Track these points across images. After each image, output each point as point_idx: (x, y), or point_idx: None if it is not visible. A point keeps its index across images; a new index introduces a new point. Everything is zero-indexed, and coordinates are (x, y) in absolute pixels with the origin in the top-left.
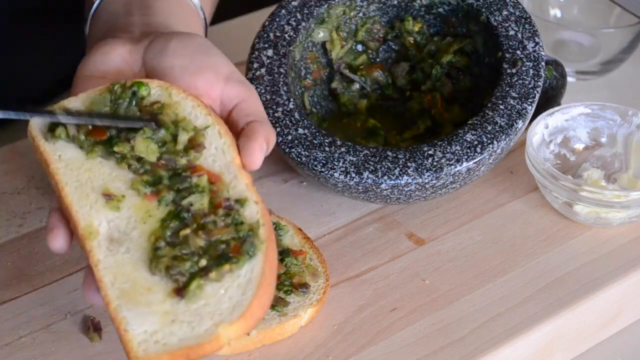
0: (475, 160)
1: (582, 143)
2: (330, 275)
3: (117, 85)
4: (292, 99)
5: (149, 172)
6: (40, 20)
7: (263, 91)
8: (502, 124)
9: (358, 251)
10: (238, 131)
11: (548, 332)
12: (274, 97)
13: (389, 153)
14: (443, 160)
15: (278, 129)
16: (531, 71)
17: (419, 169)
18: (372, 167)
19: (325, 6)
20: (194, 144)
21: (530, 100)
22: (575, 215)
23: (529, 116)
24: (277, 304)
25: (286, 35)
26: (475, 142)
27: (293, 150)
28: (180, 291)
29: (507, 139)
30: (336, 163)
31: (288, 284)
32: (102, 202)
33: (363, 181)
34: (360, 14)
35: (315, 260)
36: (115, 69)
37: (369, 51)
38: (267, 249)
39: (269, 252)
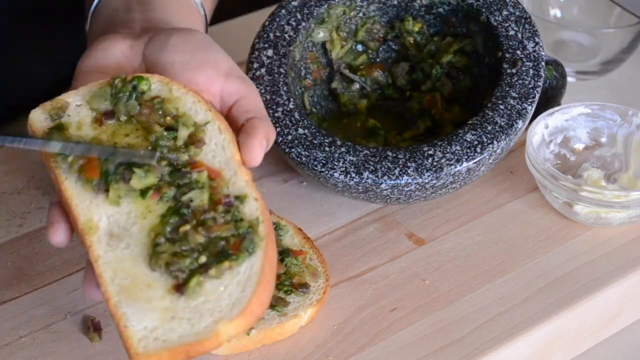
0: (475, 160)
1: (582, 143)
2: (330, 275)
3: (117, 79)
4: (292, 99)
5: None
6: (40, 20)
7: (263, 91)
8: (502, 124)
9: (358, 251)
10: (238, 127)
11: (548, 332)
12: (274, 97)
13: (389, 153)
14: (443, 160)
15: (278, 129)
16: (531, 71)
17: (419, 169)
18: (372, 167)
19: (325, 6)
20: (194, 140)
21: (530, 100)
22: (575, 215)
23: (529, 116)
24: (277, 304)
25: (286, 35)
26: (475, 142)
27: (293, 150)
28: (180, 288)
29: (507, 139)
30: (336, 163)
31: (288, 284)
32: (102, 196)
33: (363, 181)
34: (360, 14)
35: (315, 260)
36: (116, 63)
37: (369, 51)
38: (267, 246)
39: (268, 249)
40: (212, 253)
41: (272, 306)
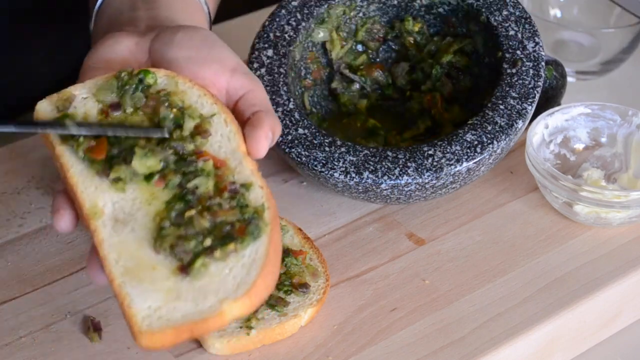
0: (475, 160)
1: (582, 143)
2: (330, 275)
3: (124, 72)
4: (292, 99)
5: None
6: (40, 20)
7: None
8: (502, 124)
9: (358, 251)
10: (244, 121)
11: (548, 332)
12: (274, 97)
13: (389, 153)
14: (443, 160)
15: None
16: (531, 71)
17: (419, 169)
18: (372, 167)
19: (325, 6)
20: (200, 130)
21: (530, 100)
22: (575, 215)
23: (529, 116)
24: (277, 304)
25: (286, 35)
26: (475, 142)
27: (293, 150)
28: (184, 269)
29: (507, 139)
30: (336, 163)
31: (288, 284)
32: (107, 183)
33: (363, 181)
34: (360, 14)
35: (315, 260)
36: (122, 59)
37: (369, 51)
38: (272, 231)
39: (273, 234)
40: (217, 237)
41: (272, 306)
